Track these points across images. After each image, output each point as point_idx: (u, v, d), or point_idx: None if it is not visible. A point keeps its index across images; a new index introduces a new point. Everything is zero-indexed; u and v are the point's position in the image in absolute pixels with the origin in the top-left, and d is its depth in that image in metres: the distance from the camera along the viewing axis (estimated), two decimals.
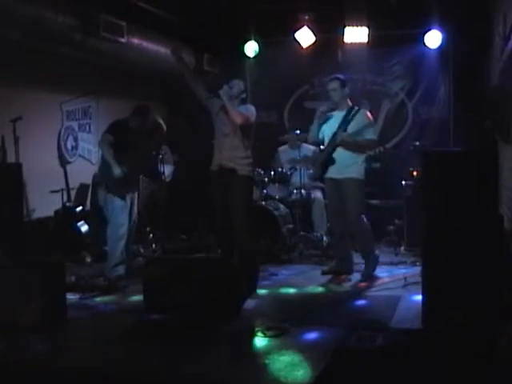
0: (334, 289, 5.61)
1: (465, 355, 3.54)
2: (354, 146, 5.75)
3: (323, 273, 6.07)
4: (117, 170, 5.66)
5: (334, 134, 5.81)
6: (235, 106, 5.28)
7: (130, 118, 5.96)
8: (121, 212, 5.80)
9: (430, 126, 8.10)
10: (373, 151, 7.03)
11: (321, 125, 5.93)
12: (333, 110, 5.93)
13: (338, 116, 5.86)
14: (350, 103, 5.90)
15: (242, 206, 5.28)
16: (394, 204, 6.81)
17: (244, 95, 5.45)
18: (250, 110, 5.39)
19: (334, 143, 5.81)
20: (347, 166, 5.75)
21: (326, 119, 5.90)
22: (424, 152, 4.76)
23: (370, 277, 5.84)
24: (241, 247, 5.28)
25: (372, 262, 5.93)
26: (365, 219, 5.89)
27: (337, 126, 5.81)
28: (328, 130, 5.90)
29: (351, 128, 5.76)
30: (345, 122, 5.78)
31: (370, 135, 5.80)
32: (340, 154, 5.77)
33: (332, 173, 5.84)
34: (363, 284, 5.71)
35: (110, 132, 5.86)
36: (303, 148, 7.30)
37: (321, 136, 5.99)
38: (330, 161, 5.83)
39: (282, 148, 7.68)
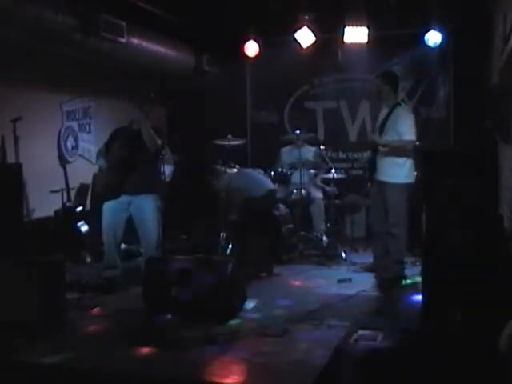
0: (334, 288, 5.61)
1: (465, 355, 3.54)
2: (388, 148, 5.66)
3: (362, 269, 6.14)
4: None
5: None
6: None
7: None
8: (105, 215, 5.70)
9: (430, 125, 8.10)
10: None
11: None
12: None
13: (384, 114, 5.84)
14: (397, 99, 5.81)
15: None
16: None
17: None
18: None
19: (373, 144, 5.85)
20: (387, 168, 5.68)
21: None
22: (424, 152, 4.77)
23: (387, 280, 5.70)
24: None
25: (397, 269, 5.75)
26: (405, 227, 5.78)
27: (381, 124, 5.80)
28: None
29: (388, 124, 5.69)
30: (386, 119, 5.73)
31: (408, 135, 5.63)
32: (381, 155, 5.72)
33: (377, 174, 5.80)
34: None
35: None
36: (304, 149, 7.29)
37: None
38: (373, 162, 5.81)
39: (284, 149, 7.63)
